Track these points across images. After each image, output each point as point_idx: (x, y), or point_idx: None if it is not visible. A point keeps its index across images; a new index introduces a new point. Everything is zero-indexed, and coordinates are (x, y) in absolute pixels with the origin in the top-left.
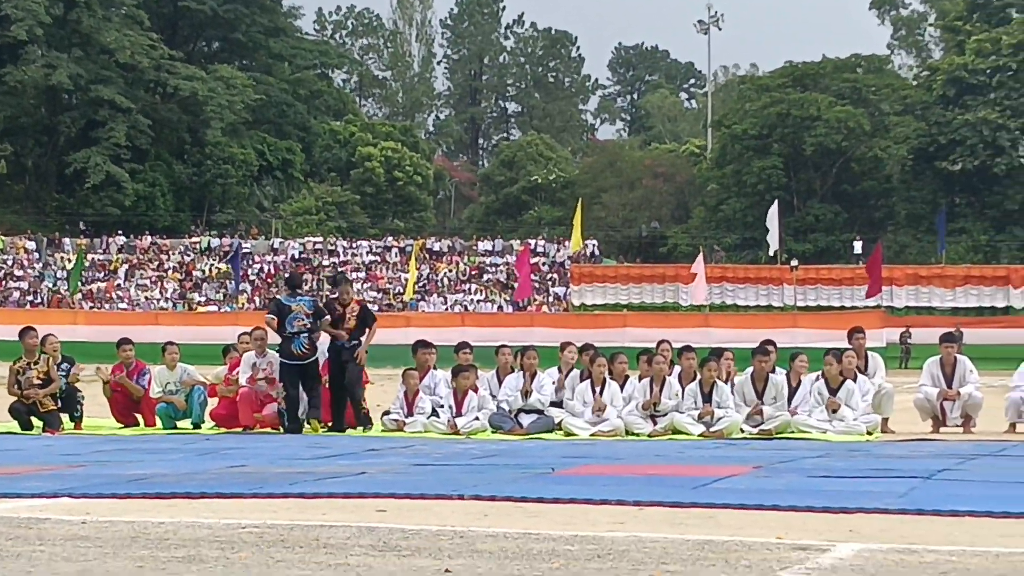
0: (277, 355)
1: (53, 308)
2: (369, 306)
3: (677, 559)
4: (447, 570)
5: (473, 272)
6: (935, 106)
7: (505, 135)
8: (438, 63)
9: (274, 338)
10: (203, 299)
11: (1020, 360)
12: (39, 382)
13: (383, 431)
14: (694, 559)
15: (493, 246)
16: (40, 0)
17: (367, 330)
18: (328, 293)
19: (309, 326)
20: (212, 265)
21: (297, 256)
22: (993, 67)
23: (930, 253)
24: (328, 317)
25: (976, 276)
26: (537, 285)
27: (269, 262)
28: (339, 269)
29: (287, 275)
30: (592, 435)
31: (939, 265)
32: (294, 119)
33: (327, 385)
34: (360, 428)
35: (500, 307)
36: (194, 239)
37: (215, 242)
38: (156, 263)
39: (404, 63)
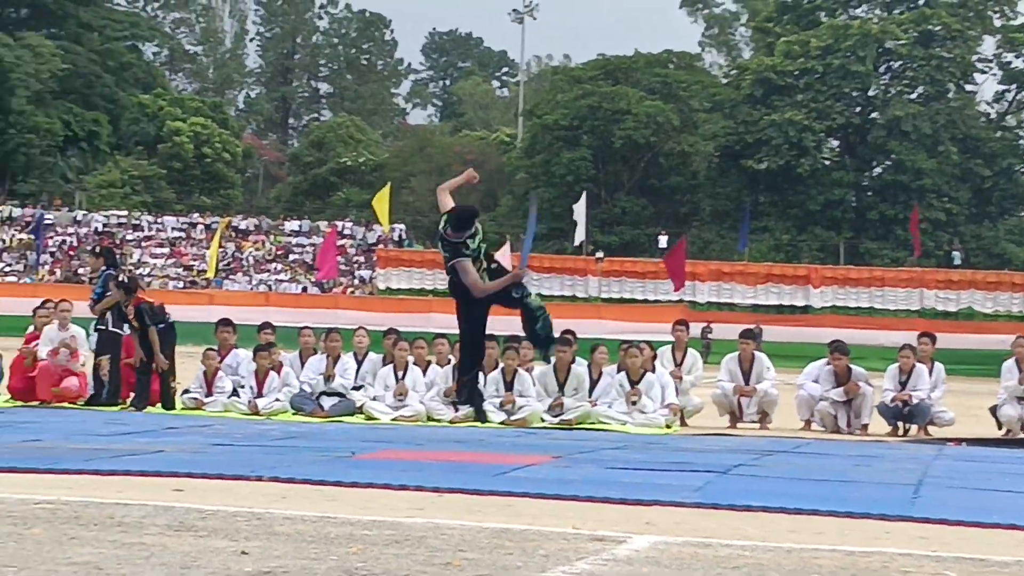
0: (81, 329)
1: None
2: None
3: (475, 547)
4: (244, 552)
5: (279, 252)
6: (743, 105)
7: (316, 116)
8: (251, 40)
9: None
10: (3, 269)
11: (818, 358)
12: None
13: (183, 410)
14: (492, 547)
15: (300, 227)
16: None
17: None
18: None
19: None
20: (13, 235)
21: (101, 229)
22: (801, 69)
23: (733, 250)
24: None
25: (777, 274)
26: (343, 268)
27: (72, 234)
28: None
29: (104, 249)
30: (393, 420)
31: (741, 262)
32: (102, 91)
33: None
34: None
35: (305, 288)
36: None
37: (16, 212)
38: None
39: (216, 39)
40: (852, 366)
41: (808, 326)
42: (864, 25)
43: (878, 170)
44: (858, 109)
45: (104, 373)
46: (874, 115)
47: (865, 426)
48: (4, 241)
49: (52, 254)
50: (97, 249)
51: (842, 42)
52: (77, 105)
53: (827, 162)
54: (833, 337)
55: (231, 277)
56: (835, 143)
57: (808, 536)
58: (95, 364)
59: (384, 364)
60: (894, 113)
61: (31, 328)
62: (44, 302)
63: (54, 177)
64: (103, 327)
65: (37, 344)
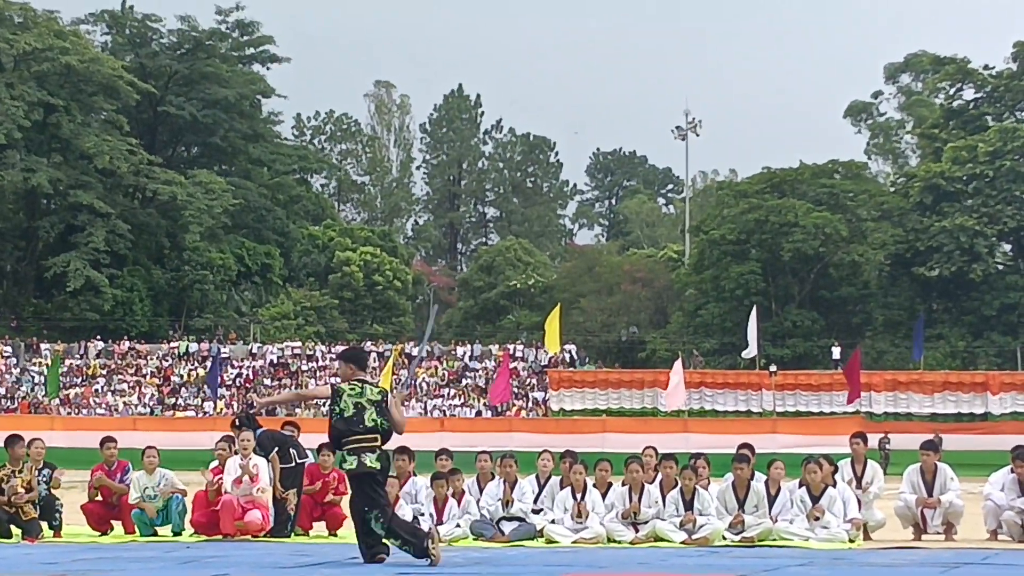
0: (263, 459)
1: (26, 413)
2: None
3: None
4: None
5: (451, 377)
6: (912, 212)
7: (484, 240)
8: (416, 168)
9: None
10: (182, 404)
11: (998, 466)
12: (23, 490)
13: None
14: None
15: (471, 351)
16: (19, 104)
17: None
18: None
19: None
20: (190, 370)
21: (275, 361)
22: (969, 174)
23: (908, 359)
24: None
25: (954, 382)
26: (516, 390)
27: (247, 367)
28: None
29: (242, 419)
30: (574, 542)
31: (917, 371)
32: (273, 224)
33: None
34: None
35: (479, 412)
36: (172, 344)
37: (193, 347)
38: (134, 368)
39: (383, 168)
40: None
41: (988, 433)
42: None
43: None
44: None
45: (291, 507)
46: None
47: None
48: (182, 376)
49: (228, 387)
50: (237, 423)
51: (1010, 144)
52: (249, 239)
53: (1000, 266)
54: (1014, 444)
55: (405, 404)
56: (1008, 247)
57: None
58: (281, 497)
59: (562, 487)
60: None
61: (214, 463)
62: (224, 437)
63: (228, 311)
64: (289, 464)
65: (220, 478)
